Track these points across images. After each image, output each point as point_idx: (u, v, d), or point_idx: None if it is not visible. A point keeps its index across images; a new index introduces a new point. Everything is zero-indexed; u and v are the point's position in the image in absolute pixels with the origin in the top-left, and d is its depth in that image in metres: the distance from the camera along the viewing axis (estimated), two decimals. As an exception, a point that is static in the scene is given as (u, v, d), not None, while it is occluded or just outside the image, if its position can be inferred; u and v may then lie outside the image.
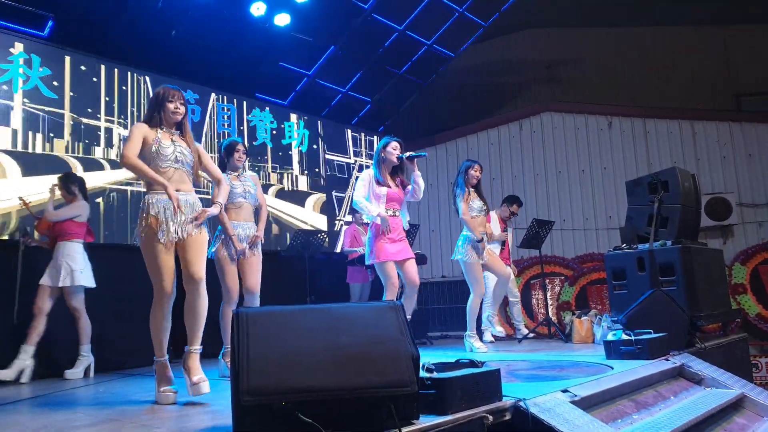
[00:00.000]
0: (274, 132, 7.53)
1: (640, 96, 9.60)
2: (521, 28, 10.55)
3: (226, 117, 6.98)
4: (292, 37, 7.27)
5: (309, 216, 7.77)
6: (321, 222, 7.90)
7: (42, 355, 4.80)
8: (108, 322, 5.11)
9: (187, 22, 6.35)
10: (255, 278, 4.27)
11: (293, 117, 7.84)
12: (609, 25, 10.24)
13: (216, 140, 6.73)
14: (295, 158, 7.79)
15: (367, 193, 4.56)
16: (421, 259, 7.53)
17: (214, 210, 3.41)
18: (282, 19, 6.94)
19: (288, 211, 7.51)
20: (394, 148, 4.59)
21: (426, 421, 2.08)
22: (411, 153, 4.62)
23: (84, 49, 5.81)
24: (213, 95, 6.91)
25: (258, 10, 6.76)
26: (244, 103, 7.23)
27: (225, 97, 7.01)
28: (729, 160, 8.00)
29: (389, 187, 4.58)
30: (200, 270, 3.24)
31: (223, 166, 4.28)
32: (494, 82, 10.72)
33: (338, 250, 7.72)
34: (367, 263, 4.63)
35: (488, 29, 8.75)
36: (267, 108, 7.46)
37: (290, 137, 7.71)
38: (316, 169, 8.06)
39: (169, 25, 6.32)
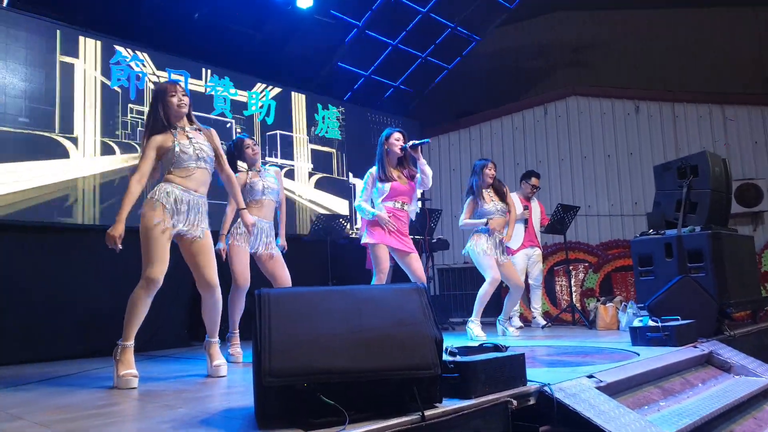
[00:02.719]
0: (234, 101, 6.83)
1: (669, 80, 9.38)
2: (547, 11, 10.37)
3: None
4: (315, 20, 7.22)
5: (319, 197, 7.63)
6: (341, 206, 7.87)
7: (63, 335, 4.89)
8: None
9: (210, 4, 6.33)
10: (285, 273, 4.26)
11: (258, 86, 7.16)
12: (637, 7, 10.01)
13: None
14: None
15: (369, 196, 4.47)
16: (443, 245, 7.50)
17: (247, 219, 3.67)
18: (304, 2, 6.90)
19: (304, 194, 7.46)
20: (396, 139, 4.46)
21: (449, 404, 2.06)
22: (414, 141, 4.46)
23: (105, 31, 5.73)
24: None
25: (280, -8, 6.72)
26: (204, 70, 6.57)
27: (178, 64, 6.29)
28: (761, 146, 7.80)
29: (394, 180, 4.45)
30: (215, 276, 3.26)
31: (233, 165, 4.17)
32: (519, 65, 10.58)
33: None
34: (361, 242, 4.48)
35: (514, 12, 8.60)
36: (227, 76, 6.78)
37: (253, 108, 7.05)
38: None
39: (191, 8, 6.31)
